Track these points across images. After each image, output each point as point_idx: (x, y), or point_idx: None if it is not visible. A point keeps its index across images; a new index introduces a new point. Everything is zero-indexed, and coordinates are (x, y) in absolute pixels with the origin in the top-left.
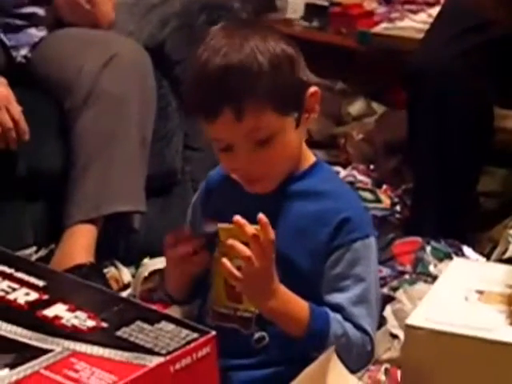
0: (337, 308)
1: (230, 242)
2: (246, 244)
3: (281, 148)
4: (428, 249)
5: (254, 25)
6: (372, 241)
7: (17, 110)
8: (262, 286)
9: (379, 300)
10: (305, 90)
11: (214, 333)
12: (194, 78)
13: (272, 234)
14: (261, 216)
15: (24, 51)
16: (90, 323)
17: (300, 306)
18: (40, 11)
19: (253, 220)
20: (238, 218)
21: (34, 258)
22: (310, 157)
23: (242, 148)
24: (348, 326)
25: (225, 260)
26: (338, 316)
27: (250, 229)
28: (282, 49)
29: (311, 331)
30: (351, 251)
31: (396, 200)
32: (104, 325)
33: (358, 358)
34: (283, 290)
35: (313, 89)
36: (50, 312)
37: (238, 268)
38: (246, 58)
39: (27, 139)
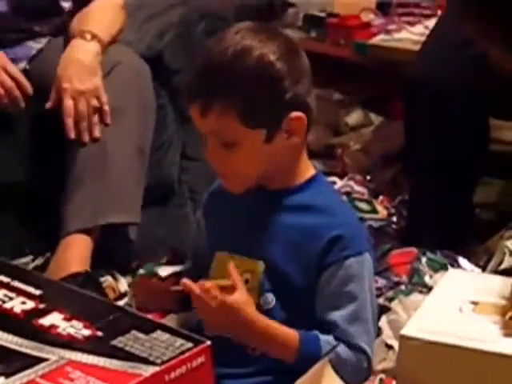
0: (331, 326)
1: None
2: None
3: (244, 157)
4: (424, 260)
5: (268, 31)
6: (366, 257)
7: (14, 68)
8: (227, 321)
9: (376, 316)
10: (284, 111)
11: (208, 342)
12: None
13: (197, 289)
14: (184, 281)
15: (22, 64)
16: (86, 332)
17: (285, 334)
18: (36, 27)
19: (248, 229)
20: (184, 280)
21: (30, 266)
22: (308, 169)
23: (210, 142)
24: (340, 346)
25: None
26: (330, 338)
27: (195, 288)
28: (271, 62)
29: (302, 357)
30: (343, 268)
31: (392, 211)
32: (99, 334)
33: (353, 375)
34: (262, 321)
35: (296, 114)
36: (46, 321)
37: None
38: (230, 61)
39: (31, 94)
